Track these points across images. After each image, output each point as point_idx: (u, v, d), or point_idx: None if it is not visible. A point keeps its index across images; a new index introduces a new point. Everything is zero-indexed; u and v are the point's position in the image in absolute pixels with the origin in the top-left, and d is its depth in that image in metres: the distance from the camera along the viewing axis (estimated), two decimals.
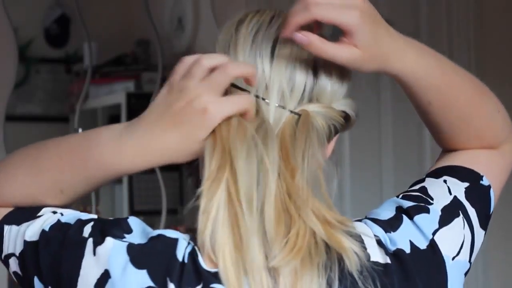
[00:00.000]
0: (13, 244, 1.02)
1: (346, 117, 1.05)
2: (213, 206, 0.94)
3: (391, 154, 3.08)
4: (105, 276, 0.94)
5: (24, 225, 1.01)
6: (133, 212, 3.35)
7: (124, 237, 0.96)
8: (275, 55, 1.02)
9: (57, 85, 3.56)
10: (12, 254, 1.02)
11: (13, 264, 1.02)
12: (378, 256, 0.98)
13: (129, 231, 0.97)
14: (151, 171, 3.36)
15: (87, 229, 0.97)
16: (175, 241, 0.96)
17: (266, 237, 0.94)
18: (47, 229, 0.99)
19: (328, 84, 1.03)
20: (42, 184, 1.02)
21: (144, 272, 0.93)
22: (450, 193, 1.06)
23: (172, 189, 3.34)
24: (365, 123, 2.94)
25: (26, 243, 1.00)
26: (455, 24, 3.06)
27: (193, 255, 0.94)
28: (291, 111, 1.01)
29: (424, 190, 1.07)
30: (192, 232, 1.00)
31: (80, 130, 3.20)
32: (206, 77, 0.97)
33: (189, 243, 0.96)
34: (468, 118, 1.09)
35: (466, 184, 1.08)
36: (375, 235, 0.99)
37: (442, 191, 1.06)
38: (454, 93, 1.07)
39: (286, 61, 1.02)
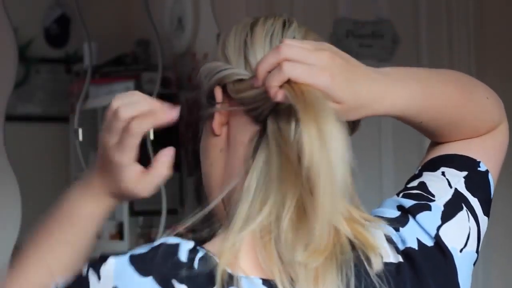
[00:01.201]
0: None
1: None
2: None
3: (391, 154, 3.09)
4: None
5: None
6: (133, 212, 3.35)
7: (125, 253, 0.96)
8: None
9: (57, 85, 3.56)
10: None
11: None
12: (390, 256, 0.98)
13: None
14: None
15: (84, 271, 0.97)
16: (176, 245, 0.96)
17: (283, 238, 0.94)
18: None
19: None
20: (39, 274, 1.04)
21: (150, 279, 0.93)
22: (451, 186, 1.06)
23: (172, 189, 3.33)
24: (365, 123, 2.93)
25: None
26: (455, 24, 3.06)
27: (204, 259, 0.94)
28: None
29: (423, 186, 1.06)
30: (192, 232, 0.99)
31: (80, 130, 3.20)
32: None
33: (198, 249, 0.96)
34: (459, 119, 1.08)
35: (465, 173, 1.07)
36: (385, 235, 0.99)
37: (442, 186, 1.06)
38: (441, 104, 1.06)
39: None
